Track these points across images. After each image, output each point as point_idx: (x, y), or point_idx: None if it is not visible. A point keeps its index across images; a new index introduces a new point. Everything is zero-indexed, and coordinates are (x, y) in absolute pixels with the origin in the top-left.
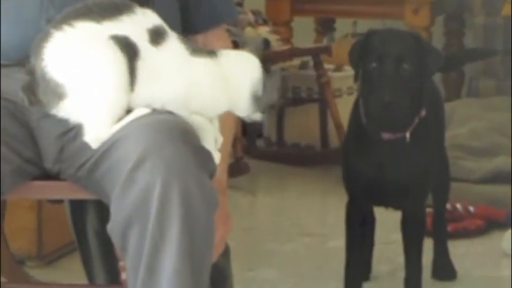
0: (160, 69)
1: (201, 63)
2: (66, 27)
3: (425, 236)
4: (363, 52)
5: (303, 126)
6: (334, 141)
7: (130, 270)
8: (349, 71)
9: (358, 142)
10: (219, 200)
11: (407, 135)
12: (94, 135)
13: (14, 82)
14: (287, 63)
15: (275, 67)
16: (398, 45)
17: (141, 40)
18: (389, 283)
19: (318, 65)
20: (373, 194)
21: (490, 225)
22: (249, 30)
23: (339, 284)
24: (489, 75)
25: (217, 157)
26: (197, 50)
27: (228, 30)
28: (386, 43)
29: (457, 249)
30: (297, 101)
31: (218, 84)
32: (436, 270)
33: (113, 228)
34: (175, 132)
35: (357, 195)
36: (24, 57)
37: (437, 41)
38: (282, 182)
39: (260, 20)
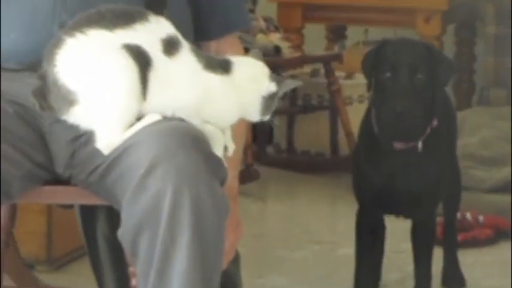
0: (173, 80)
1: (214, 79)
2: (78, 35)
3: (435, 245)
4: (376, 62)
5: (313, 134)
6: (344, 148)
7: (141, 276)
8: (360, 78)
9: (369, 151)
10: (230, 207)
11: (420, 145)
12: (105, 142)
13: (25, 86)
14: (298, 71)
15: (285, 74)
16: (412, 55)
17: (154, 49)
18: None
19: (328, 73)
20: (384, 203)
21: (499, 234)
22: (260, 37)
23: None
24: (500, 84)
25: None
26: (210, 64)
27: (239, 37)
28: (400, 53)
29: (466, 259)
30: (308, 108)
31: (230, 98)
32: (445, 279)
33: (123, 234)
34: (186, 139)
35: (367, 204)
36: (36, 62)
37: (449, 50)
38: (291, 189)
39: (272, 26)
